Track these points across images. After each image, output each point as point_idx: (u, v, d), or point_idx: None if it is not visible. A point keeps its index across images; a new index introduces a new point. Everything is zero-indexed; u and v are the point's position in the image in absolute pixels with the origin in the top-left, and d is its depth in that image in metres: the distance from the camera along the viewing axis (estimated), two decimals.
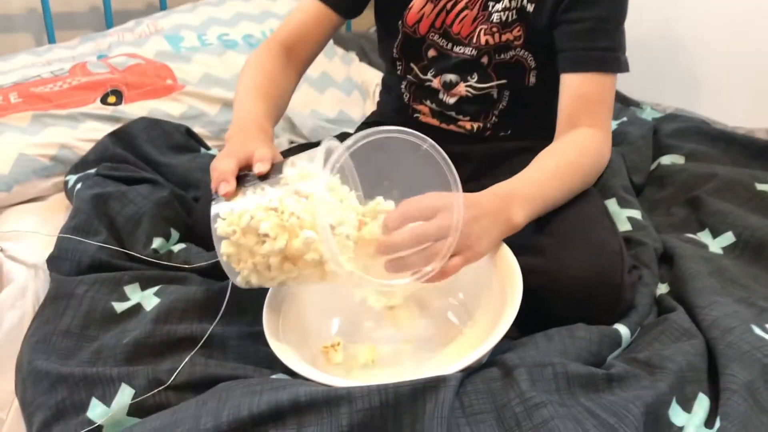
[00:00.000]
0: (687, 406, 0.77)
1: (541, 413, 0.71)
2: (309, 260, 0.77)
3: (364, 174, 0.84)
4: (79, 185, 1.12)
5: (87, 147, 1.26)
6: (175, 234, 1.07)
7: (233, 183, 0.82)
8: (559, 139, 1.01)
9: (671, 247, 1.05)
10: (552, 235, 0.91)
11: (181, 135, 1.31)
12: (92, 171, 1.16)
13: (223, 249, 0.80)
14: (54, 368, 0.84)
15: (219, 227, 0.80)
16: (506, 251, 0.87)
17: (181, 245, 1.05)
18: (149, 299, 0.94)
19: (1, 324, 0.98)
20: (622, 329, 0.87)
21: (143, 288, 0.97)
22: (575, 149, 0.97)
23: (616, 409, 0.72)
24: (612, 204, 1.13)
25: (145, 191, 1.08)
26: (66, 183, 1.19)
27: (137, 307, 0.93)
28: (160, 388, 0.80)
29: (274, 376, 0.82)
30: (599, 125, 0.99)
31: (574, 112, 0.99)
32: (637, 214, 1.12)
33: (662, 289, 1.00)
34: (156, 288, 0.96)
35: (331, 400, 0.71)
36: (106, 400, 0.81)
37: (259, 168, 0.82)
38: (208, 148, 1.35)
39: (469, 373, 0.76)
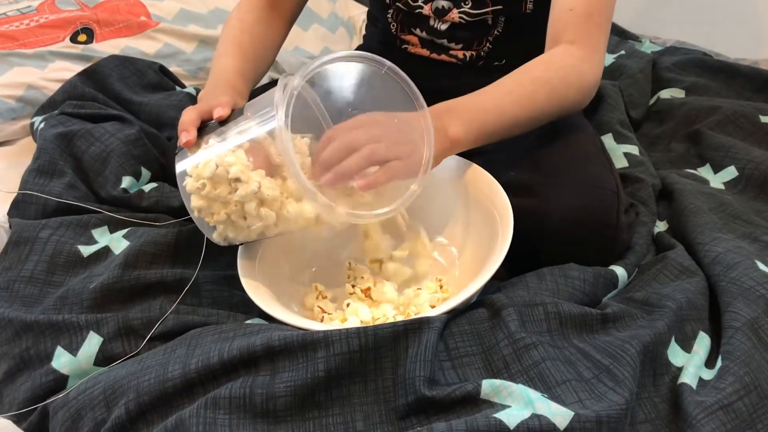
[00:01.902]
0: (687, 345, 0.73)
1: (531, 355, 0.67)
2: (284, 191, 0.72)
3: (332, 104, 0.79)
4: (42, 125, 1.05)
5: (56, 87, 1.19)
6: (145, 173, 1.01)
7: (194, 132, 0.77)
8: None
9: (670, 183, 0.99)
10: (543, 172, 0.86)
11: (154, 73, 1.23)
12: (57, 111, 1.09)
13: (193, 203, 0.75)
14: (17, 316, 0.79)
15: (187, 183, 0.75)
16: (497, 189, 0.81)
17: (153, 184, 0.99)
18: (118, 242, 0.89)
19: None
20: (619, 270, 0.82)
21: (112, 231, 0.92)
22: (541, 64, 0.88)
23: (611, 349, 0.68)
24: (608, 140, 1.08)
25: (112, 128, 1.02)
26: (32, 125, 1.12)
27: (105, 251, 0.88)
28: (140, 346, 0.75)
29: (248, 321, 0.78)
30: (583, 42, 0.89)
31: (559, 29, 0.90)
32: (634, 149, 1.06)
33: (660, 227, 0.95)
34: (125, 230, 0.91)
35: (307, 344, 0.66)
36: (72, 349, 0.76)
37: (218, 113, 0.78)
38: (183, 87, 1.28)
39: (455, 314, 0.72)
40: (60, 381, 0.75)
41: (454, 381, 0.67)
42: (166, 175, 1.03)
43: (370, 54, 0.74)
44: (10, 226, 0.94)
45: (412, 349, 0.66)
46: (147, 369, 0.69)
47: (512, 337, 0.68)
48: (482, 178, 0.84)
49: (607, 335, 0.71)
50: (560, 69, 0.87)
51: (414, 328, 0.67)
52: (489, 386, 0.63)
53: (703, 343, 0.72)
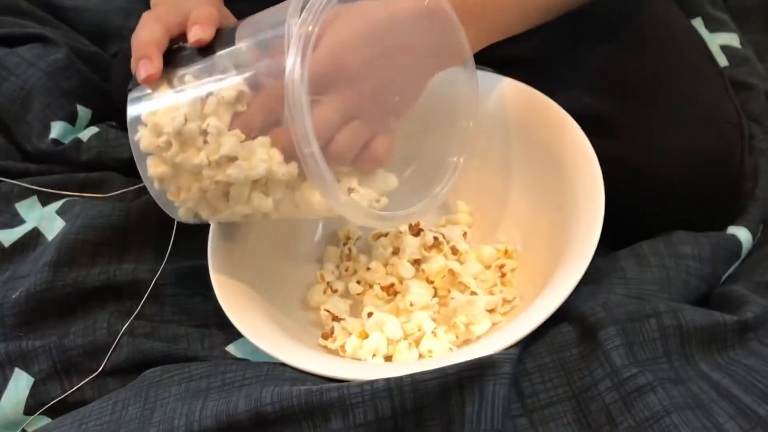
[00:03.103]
0: None
1: (648, 402, 0.45)
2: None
3: None
4: None
5: None
6: (83, 111, 0.76)
7: (158, 61, 0.50)
8: None
9: None
10: (633, 98, 0.60)
11: None
12: None
13: (151, 170, 0.50)
14: None
15: (141, 138, 0.50)
16: (572, 128, 0.56)
17: (94, 129, 0.75)
18: (50, 221, 0.66)
19: None
20: (741, 233, 0.59)
21: (43, 202, 0.68)
22: None
23: (763, 386, 0.46)
24: (697, 26, 0.80)
25: (30, 55, 0.76)
26: None
27: (33, 236, 0.66)
28: (74, 389, 0.54)
29: (230, 349, 0.56)
30: None
31: None
32: (733, 39, 0.79)
33: None
34: (60, 203, 0.67)
35: (314, 409, 0.44)
36: None
37: (196, 34, 0.50)
38: None
39: (529, 338, 0.49)
40: None
41: None
42: (112, 110, 0.78)
43: None
44: None
45: (472, 408, 0.44)
46: None
47: (617, 375, 0.46)
48: (535, 102, 0.59)
49: (750, 354, 0.49)
50: None
51: (472, 376, 0.44)
52: None
53: None
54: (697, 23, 0.81)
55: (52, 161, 0.73)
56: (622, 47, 0.64)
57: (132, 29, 0.90)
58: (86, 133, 0.74)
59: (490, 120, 0.60)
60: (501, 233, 0.61)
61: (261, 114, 0.48)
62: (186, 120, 0.48)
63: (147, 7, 0.91)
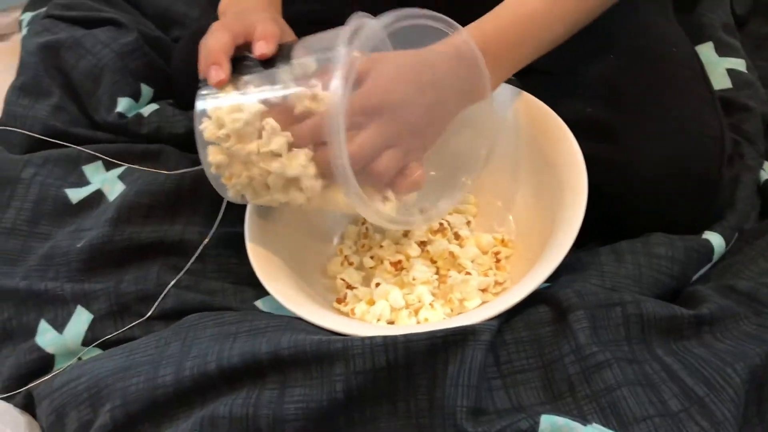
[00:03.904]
0: None
1: (604, 377, 0.53)
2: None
3: None
4: (26, 30, 0.90)
5: None
6: (146, 90, 0.86)
7: (227, 67, 0.59)
8: None
9: None
10: (625, 109, 0.67)
11: None
12: (45, 9, 0.92)
13: (211, 157, 0.59)
14: None
15: (205, 129, 0.58)
16: (564, 132, 0.64)
17: (154, 106, 0.84)
18: (112, 184, 0.76)
19: None
20: (714, 238, 0.66)
21: (108, 167, 0.78)
22: None
23: (708, 372, 0.53)
24: (707, 50, 0.86)
25: (105, 37, 0.85)
26: (20, 23, 0.96)
27: (97, 196, 0.75)
28: (127, 328, 0.64)
29: (258, 303, 0.65)
30: None
31: None
32: (740, 64, 0.85)
33: None
34: (122, 169, 0.77)
35: (322, 356, 0.53)
36: (58, 325, 0.66)
37: (261, 49, 0.58)
38: None
39: (510, 313, 0.57)
40: (45, 360, 0.65)
41: (504, 406, 0.54)
42: (171, 90, 0.88)
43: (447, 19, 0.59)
44: None
45: (453, 366, 0.52)
46: (136, 368, 0.58)
47: (581, 351, 0.54)
48: (540, 114, 0.66)
49: (701, 345, 0.56)
50: None
51: (456, 340, 0.53)
52: (549, 425, 0.50)
53: None
54: (708, 47, 0.87)
55: (116, 132, 0.82)
56: (622, 63, 0.70)
57: (193, 18, 1.01)
58: (147, 109, 0.84)
59: (503, 126, 0.68)
60: (500, 224, 0.70)
61: (312, 131, 0.56)
62: (246, 120, 0.56)
63: (211, 3, 1.01)
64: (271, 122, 0.56)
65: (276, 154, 0.56)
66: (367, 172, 0.55)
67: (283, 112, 0.56)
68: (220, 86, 0.59)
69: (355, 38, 0.54)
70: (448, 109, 0.60)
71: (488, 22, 0.63)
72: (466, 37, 0.59)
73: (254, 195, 0.61)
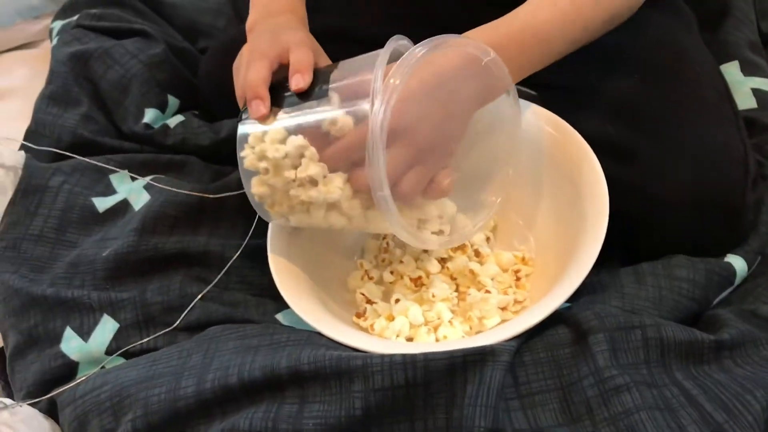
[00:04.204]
0: None
1: (622, 400, 0.53)
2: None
3: None
4: (56, 40, 0.91)
5: None
6: (173, 101, 0.87)
7: (268, 102, 0.60)
8: None
9: None
10: (647, 130, 0.67)
11: None
12: (75, 18, 0.94)
13: (254, 189, 0.60)
14: (24, 286, 0.69)
15: (246, 157, 0.59)
16: (586, 151, 0.64)
17: (179, 117, 0.86)
18: (138, 194, 0.77)
19: None
20: (737, 262, 0.65)
21: (134, 178, 0.79)
22: None
23: (726, 397, 0.53)
24: (733, 69, 0.86)
25: (134, 48, 0.87)
26: (50, 32, 0.98)
27: (123, 206, 0.77)
28: (152, 337, 0.65)
29: (279, 316, 0.66)
30: None
31: None
32: (766, 84, 0.84)
33: None
34: (147, 179, 0.78)
35: (341, 372, 0.54)
36: (83, 332, 0.67)
37: (298, 83, 0.59)
38: None
39: (529, 334, 0.58)
40: (69, 367, 0.66)
41: (522, 427, 0.54)
42: (197, 101, 0.89)
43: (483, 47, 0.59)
44: None
45: (472, 386, 0.53)
46: (158, 378, 0.59)
47: (600, 374, 0.54)
48: (562, 132, 0.66)
49: (721, 370, 0.56)
50: None
51: (475, 360, 0.53)
52: None
53: None
54: (734, 66, 0.86)
55: (143, 142, 0.84)
56: (645, 81, 0.70)
57: (219, 29, 1.01)
58: (173, 121, 0.85)
59: (525, 143, 0.68)
60: (521, 242, 0.70)
61: (345, 154, 0.56)
62: (287, 151, 0.57)
63: (235, 10, 1.02)
64: (312, 150, 0.56)
65: (313, 182, 0.57)
66: (396, 195, 0.55)
67: (320, 144, 0.57)
68: (263, 120, 0.59)
69: (394, 67, 0.54)
70: (463, 115, 0.60)
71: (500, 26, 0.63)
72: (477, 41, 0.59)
73: (298, 221, 0.62)
